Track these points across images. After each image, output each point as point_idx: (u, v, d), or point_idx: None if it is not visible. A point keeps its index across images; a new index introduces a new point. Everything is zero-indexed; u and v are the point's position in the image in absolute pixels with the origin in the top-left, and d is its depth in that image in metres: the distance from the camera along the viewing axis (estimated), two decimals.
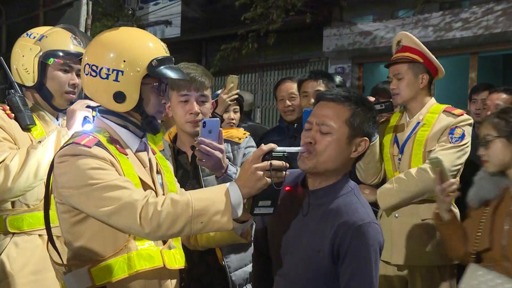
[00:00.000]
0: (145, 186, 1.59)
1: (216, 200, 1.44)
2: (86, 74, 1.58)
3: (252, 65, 8.45)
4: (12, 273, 2.00)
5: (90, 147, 1.49)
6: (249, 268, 2.09)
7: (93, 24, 5.74)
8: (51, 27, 2.25)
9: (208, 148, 1.84)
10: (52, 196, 1.59)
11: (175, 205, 1.42)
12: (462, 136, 2.43)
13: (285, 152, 1.47)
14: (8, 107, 2.07)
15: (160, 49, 1.61)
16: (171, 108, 2.10)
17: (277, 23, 6.71)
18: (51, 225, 1.61)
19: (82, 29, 4.54)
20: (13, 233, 2.04)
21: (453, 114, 2.50)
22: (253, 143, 2.19)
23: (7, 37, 12.38)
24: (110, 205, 1.42)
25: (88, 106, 1.98)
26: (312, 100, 2.86)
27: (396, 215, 2.50)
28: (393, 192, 2.45)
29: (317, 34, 7.31)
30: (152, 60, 1.57)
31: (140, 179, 1.58)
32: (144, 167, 1.65)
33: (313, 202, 1.59)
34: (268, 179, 1.43)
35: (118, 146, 1.58)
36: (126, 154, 1.59)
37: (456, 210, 2.43)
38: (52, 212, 1.59)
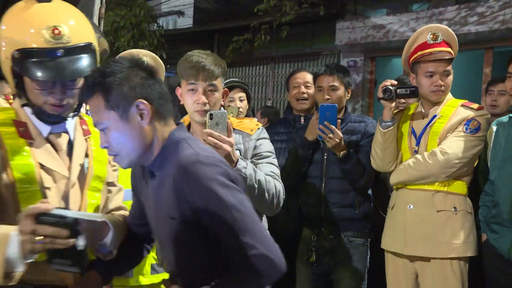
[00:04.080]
0: (50, 171, 1.51)
1: None
2: None
3: (264, 57, 8.42)
4: None
5: None
6: None
7: (106, 13, 5.74)
8: None
9: (216, 141, 1.81)
10: None
11: None
12: (477, 128, 2.44)
13: (64, 217, 1.24)
14: (11, 96, 2.05)
15: (36, 38, 1.44)
16: (182, 96, 2.10)
17: (290, 15, 6.67)
18: None
19: (96, 18, 4.53)
20: None
21: (472, 108, 2.50)
22: (266, 135, 2.16)
23: None
24: None
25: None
26: (327, 97, 2.84)
27: (411, 206, 2.50)
28: (405, 169, 2.50)
29: (330, 27, 7.25)
30: (14, 52, 1.42)
31: (42, 165, 1.49)
32: (58, 151, 1.57)
33: (152, 171, 1.49)
34: (36, 245, 1.22)
35: (21, 129, 1.48)
36: (31, 138, 1.49)
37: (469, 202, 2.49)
38: None
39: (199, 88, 2.01)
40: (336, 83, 2.84)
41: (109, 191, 1.76)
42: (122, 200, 1.81)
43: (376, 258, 2.83)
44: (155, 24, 9.12)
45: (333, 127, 2.63)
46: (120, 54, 2.60)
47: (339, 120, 2.71)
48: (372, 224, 2.86)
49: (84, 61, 1.54)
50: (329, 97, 2.83)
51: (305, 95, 3.10)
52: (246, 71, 8.84)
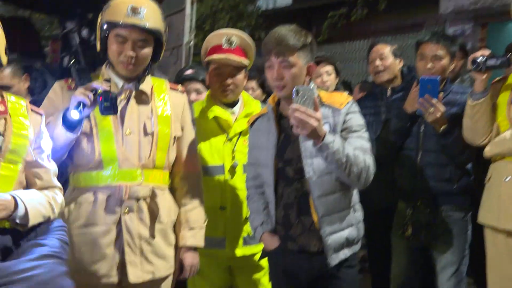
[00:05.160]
0: None
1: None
2: None
3: (363, 32, 8.19)
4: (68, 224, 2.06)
5: None
6: (346, 233, 2.09)
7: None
8: None
9: (302, 117, 1.82)
10: None
11: None
12: None
13: None
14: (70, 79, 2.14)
15: None
16: None
17: None
18: None
19: (189, 2, 4.69)
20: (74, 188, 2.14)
21: None
22: (356, 108, 2.12)
23: None
24: None
25: (92, 88, 1.96)
26: (429, 65, 2.69)
27: (508, 178, 2.35)
28: (502, 142, 2.37)
29: None
30: None
31: None
32: None
33: None
34: None
35: None
36: None
37: None
38: None
39: (274, 64, 2.03)
40: (441, 52, 2.70)
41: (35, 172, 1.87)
42: (51, 179, 1.90)
43: (479, 234, 2.72)
44: (253, 5, 9.22)
45: (434, 101, 2.53)
46: (213, 32, 2.69)
47: (441, 94, 2.60)
48: (474, 198, 2.74)
49: None
50: (432, 66, 2.70)
51: (380, 67, 3.07)
52: (345, 47, 8.67)
